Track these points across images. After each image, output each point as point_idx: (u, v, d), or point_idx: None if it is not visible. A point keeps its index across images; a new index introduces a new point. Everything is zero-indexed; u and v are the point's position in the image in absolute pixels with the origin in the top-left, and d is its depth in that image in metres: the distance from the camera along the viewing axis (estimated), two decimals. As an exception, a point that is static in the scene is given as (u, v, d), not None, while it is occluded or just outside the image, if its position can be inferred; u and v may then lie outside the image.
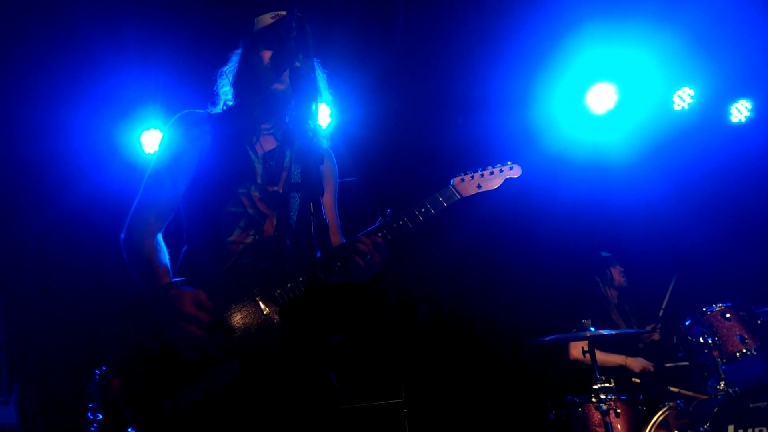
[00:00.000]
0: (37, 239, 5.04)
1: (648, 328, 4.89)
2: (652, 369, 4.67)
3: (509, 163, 2.64)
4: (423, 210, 2.42)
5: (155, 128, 5.12)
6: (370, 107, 5.28)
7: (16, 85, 4.78)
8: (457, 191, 2.52)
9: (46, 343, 5.00)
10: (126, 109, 5.11)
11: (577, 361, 4.75)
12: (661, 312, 5.03)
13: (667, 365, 4.84)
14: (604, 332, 4.11)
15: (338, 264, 2.28)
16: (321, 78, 2.54)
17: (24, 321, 4.94)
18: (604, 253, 5.09)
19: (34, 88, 4.80)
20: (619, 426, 4.00)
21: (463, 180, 2.55)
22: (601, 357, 4.52)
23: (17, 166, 5.04)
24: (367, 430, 5.01)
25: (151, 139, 5.12)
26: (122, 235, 2.28)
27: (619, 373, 4.58)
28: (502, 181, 2.61)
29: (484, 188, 2.57)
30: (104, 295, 4.61)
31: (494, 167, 2.61)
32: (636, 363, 4.69)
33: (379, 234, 2.33)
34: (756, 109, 5.88)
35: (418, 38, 5.07)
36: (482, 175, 2.58)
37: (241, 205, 2.30)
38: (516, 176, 2.64)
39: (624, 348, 4.81)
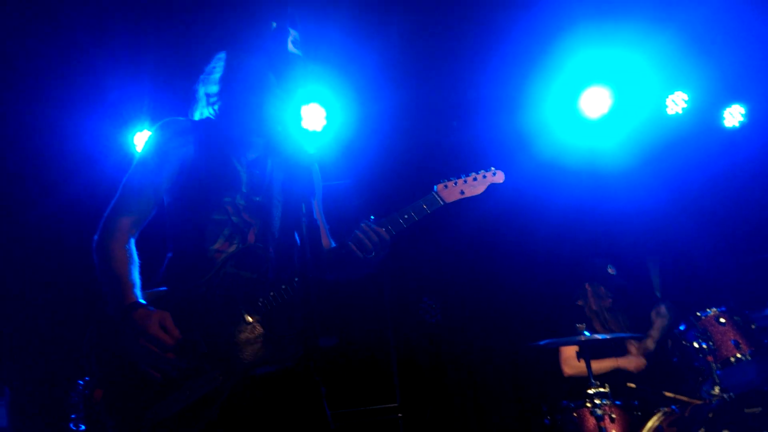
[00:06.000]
0: (28, 240, 4.99)
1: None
2: (644, 365, 4.65)
3: (492, 168, 2.66)
4: (406, 216, 2.44)
5: (148, 129, 5.11)
6: (364, 111, 5.26)
7: (9, 84, 4.74)
8: (441, 197, 2.54)
9: (37, 346, 4.94)
10: (120, 110, 5.09)
11: (573, 377, 4.71)
12: (658, 293, 5.00)
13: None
14: (598, 336, 4.10)
15: (349, 246, 2.30)
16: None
17: (15, 323, 4.90)
18: (610, 269, 5.00)
19: (32, 91, 4.79)
20: (614, 431, 3.99)
21: (446, 186, 2.58)
22: (594, 365, 4.47)
23: (10, 167, 4.99)
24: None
25: (143, 140, 5.11)
26: (95, 238, 2.24)
27: (615, 377, 4.56)
28: (485, 186, 2.63)
29: (468, 194, 2.60)
30: (94, 298, 4.55)
31: (477, 173, 2.64)
32: (628, 362, 4.68)
33: (384, 229, 2.36)
34: (749, 114, 5.88)
35: (413, 41, 5.05)
36: (465, 181, 2.60)
37: (226, 213, 2.28)
38: (499, 182, 2.67)
39: (614, 352, 4.80)
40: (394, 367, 5.19)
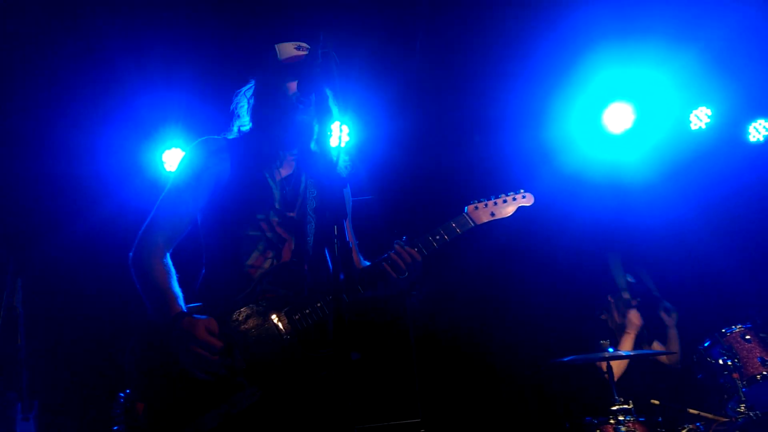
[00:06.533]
0: (60, 256, 5.11)
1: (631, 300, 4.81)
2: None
3: (522, 191, 2.70)
4: (438, 237, 2.47)
5: (176, 147, 5.22)
6: (387, 126, 5.33)
7: (44, 105, 4.88)
8: (471, 219, 2.58)
9: (67, 361, 5.04)
10: (148, 129, 5.21)
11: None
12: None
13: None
14: (622, 353, 4.09)
15: (384, 267, 2.34)
16: (342, 103, 2.59)
17: (45, 338, 5.00)
18: (629, 278, 4.98)
19: (60, 107, 4.90)
20: (637, 448, 3.96)
21: (476, 208, 2.61)
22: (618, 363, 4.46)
23: (44, 186, 5.13)
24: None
25: (172, 158, 5.22)
26: (131, 254, 2.31)
27: (639, 393, 4.53)
28: (515, 209, 2.66)
29: (498, 216, 2.63)
30: (126, 314, 4.65)
31: (507, 195, 2.67)
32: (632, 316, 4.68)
33: (416, 249, 2.40)
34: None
35: (436, 58, 5.13)
36: (495, 203, 2.64)
37: (260, 229, 2.34)
38: (529, 204, 2.69)
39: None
40: (416, 383, 5.20)
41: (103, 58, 4.67)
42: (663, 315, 4.92)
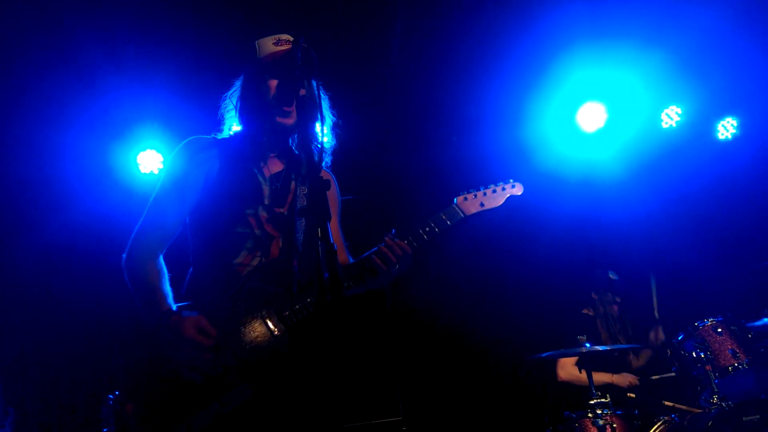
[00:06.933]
0: (31, 261, 4.96)
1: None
2: (637, 383, 4.74)
3: (511, 180, 2.62)
4: (427, 229, 2.42)
5: (152, 148, 5.09)
6: (365, 125, 5.32)
7: (6, 101, 4.67)
8: (461, 210, 2.51)
9: (42, 366, 4.93)
10: (121, 129, 5.04)
11: (566, 383, 4.80)
12: (656, 313, 5.07)
13: (653, 377, 4.91)
14: (598, 348, 4.16)
15: (374, 259, 2.31)
16: (324, 100, 2.58)
17: (20, 344, 4.88)
18: (611, 275, 5.08)
19: (24, 103, 4.69)
20: (615, 440, 4.04)
21: (466, 198, 2.54)
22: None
23: (7, 188, 4.94)
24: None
25: (147, 160, 5.07)
26: (124, 256, 2.30)
27: (612, 388, 4.63)
28: (504, 199, 2.58)
29: (487, 206, 2.55)
30: (99, 317, 4.57)
31: (496, 185, 2.59)
32: (622, 379, 4.76)
33: (405, 242, 2.36)
34: (742, 126, 6.05)
35: (413, 58, 5.15)
36: (485, 194, 2.56)
37: (249, 226, 2.32)
38: (518, 194, 2.61)
39: (614, 365, 4.87)
40: (397, 381, 5.22)
41: (72, 50, 4.47)
42: (650, 334, 5.01)
